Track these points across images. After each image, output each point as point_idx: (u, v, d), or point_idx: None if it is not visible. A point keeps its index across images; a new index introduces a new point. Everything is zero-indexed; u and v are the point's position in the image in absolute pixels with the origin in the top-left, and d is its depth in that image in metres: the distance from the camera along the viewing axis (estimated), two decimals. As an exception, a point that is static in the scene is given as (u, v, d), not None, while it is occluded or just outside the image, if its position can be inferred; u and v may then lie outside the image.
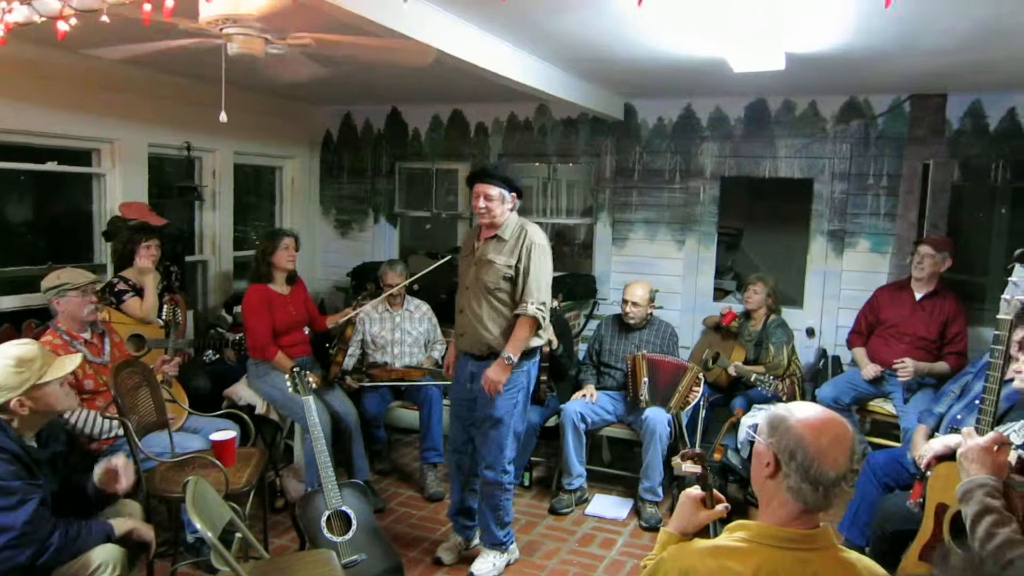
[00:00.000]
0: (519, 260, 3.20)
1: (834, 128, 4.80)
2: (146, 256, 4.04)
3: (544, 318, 3.23)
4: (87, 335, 3.34)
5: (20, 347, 2.40)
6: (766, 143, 4.98)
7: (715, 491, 1.82)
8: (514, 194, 3.27)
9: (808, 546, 1.55)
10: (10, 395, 2.29)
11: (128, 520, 2.52)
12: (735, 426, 4.16)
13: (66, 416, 2.71)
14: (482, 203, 3.20)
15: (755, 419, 4.09)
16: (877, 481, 3.31)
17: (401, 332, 4.61)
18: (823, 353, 4.86)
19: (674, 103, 5.20)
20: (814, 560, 1.54)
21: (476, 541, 3.59)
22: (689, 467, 1.84)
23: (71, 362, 2.48)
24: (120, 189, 4.60)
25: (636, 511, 4.11)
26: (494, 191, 3.19)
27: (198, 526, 2.16)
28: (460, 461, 3.49)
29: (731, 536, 1.60)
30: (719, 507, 1.81)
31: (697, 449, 1.91)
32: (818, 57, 3.62)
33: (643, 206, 5.35)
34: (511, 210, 3.28)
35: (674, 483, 4.15)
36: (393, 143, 6.12)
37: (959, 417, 3.10)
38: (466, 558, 3.54)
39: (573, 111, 5.40)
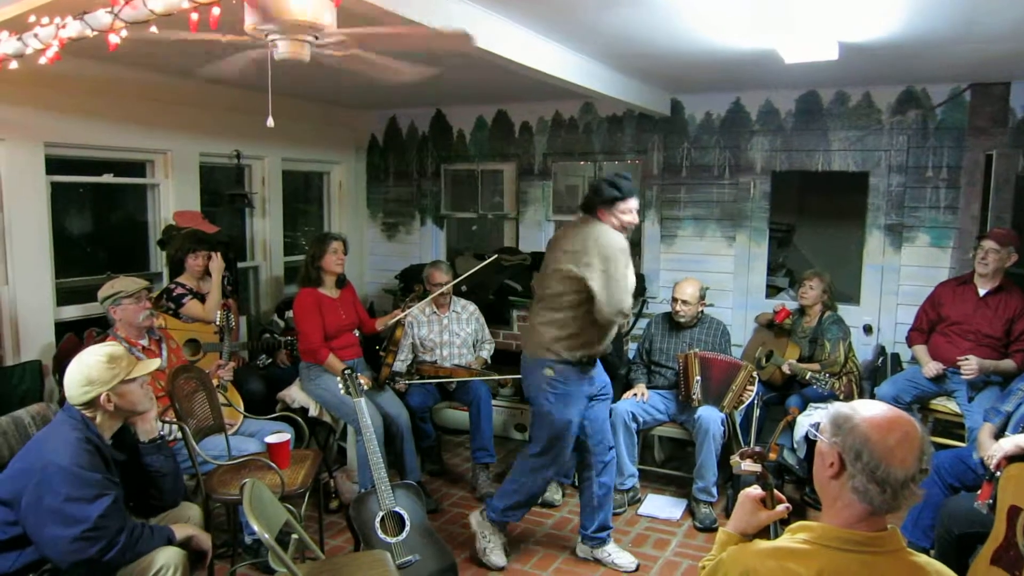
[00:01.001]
0: None
1: (890, 119, 4.67)
2: (193, 265, 4.17)
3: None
4: (145, 342, 3.44)
5: (109, 346, 2.53)
6: (819, 136, 4.87)
7: (775, 491, 1.78)
8: None
9: (874, 549, 1.51)
10: (101, 389, 2.39)
11: (188, 527, 2.59)
12: (791, 425, 4.09)
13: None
14: (637, 217, 3.30)
15: (811, 418, 4.01)
16: (941, 482, 3.22)
17: (449, 334, 4.64)
18: (882, 350, 4.73)
19: (722, 97, 5.13)
20: (880, 564, 1.50)
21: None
22: (748, 466, 1.82)
23: (153, 363, 2.59)
24: (173, 198, 4.74)
25: (690, 511, 4.07)
26: (634, 203, 3.28)
27: (255, 528, 2.21)
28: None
29: (793, 537, 1.57)
30: (779, 507, 1.77)
31: (756, 448, 1.87)
32: (872, 46, 3.53)
33: (692, 203, 5.29)
34: None
35: (728, 483, 4.10)
36: (438, 145, 6.17)
37: (1029, 416, 2.99)
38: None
39: (619, 108, 5.37)
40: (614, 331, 3.34)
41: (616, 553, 3.54)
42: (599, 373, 3.46)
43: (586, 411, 3.40)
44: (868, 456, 1.49)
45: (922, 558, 1.54)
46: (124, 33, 2.23)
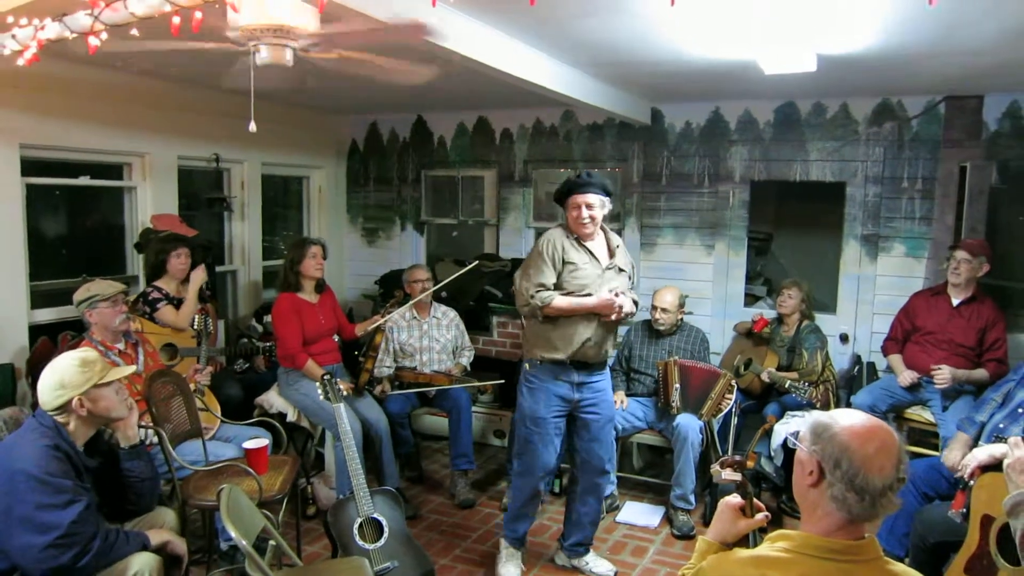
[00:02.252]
0: (630, 266, 3.43)
1: (867, 130, 4.73)
2: (176, 265, 4.10)
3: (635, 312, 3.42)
4: (121, 346, 3.39)
5: (83, 351, 2.51)
6: (796, 146, 4.93)
7: (755, 499, 1.79)
8: (608, 198, 3.30)
9: (853, 558, 1.52)
10: (73, 393, 2.36)
11: (163, 532, 2.56)
12: (768, 433, 4.13)
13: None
14: (585, 213, 3.22)
15: (788, 426, 4.05)
16: (916, 490, 3.25)
17: (429, 339, 4.63)
18: (858, 359, 4.78)
19: (702, 106, 5.16)
20: (859, 572, 1.51)
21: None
22: (728, 474, 1.82)
23: (127, 369, 2.57)
24: (151, 201, 4.67)
25: (668, 519, 4.08)
26: (594, 199, 3.23)
27: (232, 534, 2.19)
28: (549, 481, 3.58)
29: (773, 546, 1.58)
30: (759, 516, 1.78)
31: (737, 456, 1.88)
32: (850, 58, 3.58)
33: (671, 211, 5.32)
34: (605, 215, 3.34)
35: (706, 490, 4.11)
36: (419, 151, 6.16)
37: (1002, 426, 3.04)
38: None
39: (599, 116, 5.40)
40: (579, 337, 3.22)
41: (594, 561, 3.54)
42: (594, 387, 3.37)
43: (579, 427, 3.39)
44: (847, 465, 1.51)
45: (899, 567, 1.55)
46: (104, 36, 2.20)
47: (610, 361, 3.81)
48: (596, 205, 3.23)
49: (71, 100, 4.13)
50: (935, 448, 3.91)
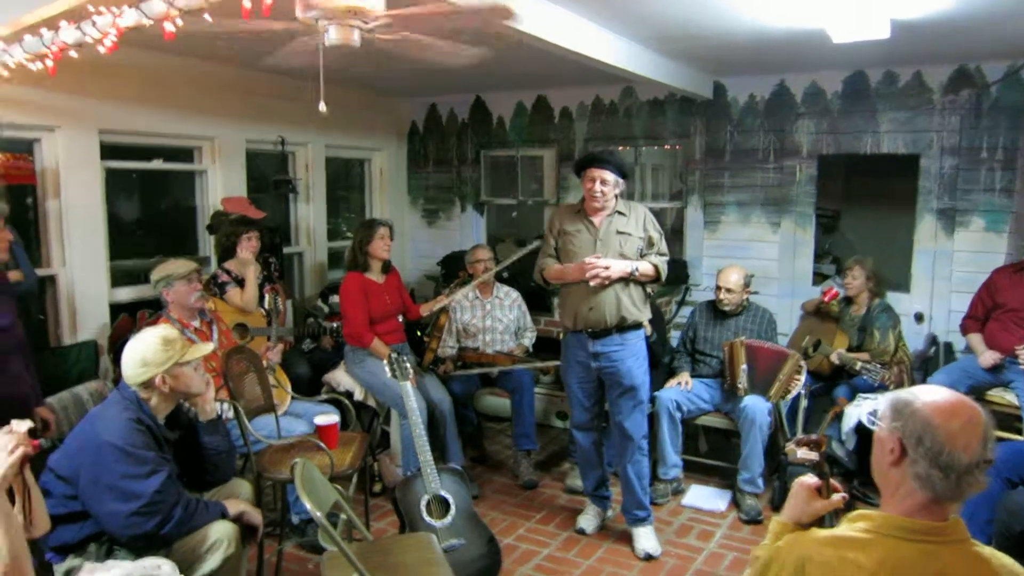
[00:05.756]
0: (645, 230, 3.46)
1: (942, 99, 4.53)
2: (247, 247, 4.19)
3: (663, 273, 3.46)
4: (196, 323, 3.50)
5: (164, 328, 2.58)
6: (867, 118, 4.75)
7: (832, 480, 1.75)
8: (623, 179, 3.42)
9: (937, 539, 1.47)
10: (156, 371, 2.45)
11: (239, 502, 2.64)
12: (839, 416, 4.02)
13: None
14: (598, 187, 3.37)
15: (860, 409, 3.93)
16: (999, 476, 3.12)
17: (492, 320, 4.65)
18: (934, 339, 4.61)
19: (766, 79, 5.03)
20: (944, 554, 1.46)
21: (610, 511, 3.81)
22: (804, 454, 1.78)
23: (206, 347, 2.64)
24: (221, 184, 4.81)
25: (735, 503, 4.02)
26: (609, 176, 3.36)
27: (307, 506, 2.24)
28: (594, 439, 3.67)
29: (852, 526, 1.54)
30: (835, 497, 1.74)
31: (813, 435, 1.84)
32: (926, 23, 3.42)
33: (735, 188, 5.21)
34: (618, 195, 3.45)
35: (775, 474, 4.04)
36: (478, 131, 6.17)
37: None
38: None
39: (660, 92, 5.30)
40: (574, 304, 3.40)
41: (643, 536, 3.56)
42: (611, 356, 3.43)
43: (607, 389, 3.55)
44: (931, 441, 1.46)
45: (987, 550, 1.50)
46: (179, 21, 2.26)
47: (674, 342, 3.77)
48: (609, 182, 3.35)
49: (145, 87, 4.27)
50: (1019, 432, 3.75)
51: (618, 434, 3.56)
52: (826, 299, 4.49)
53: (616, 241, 3.41)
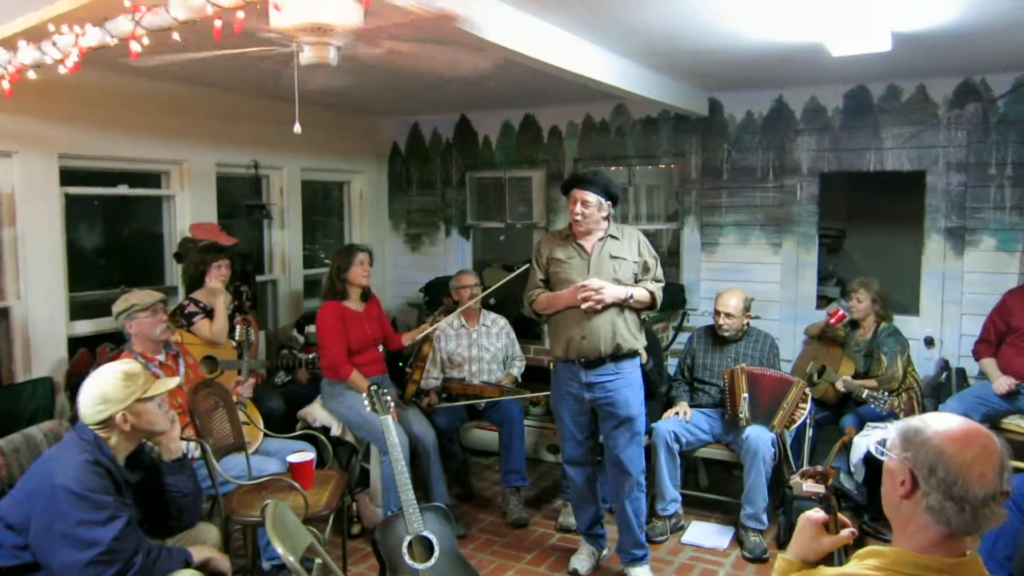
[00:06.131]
0: (640, 254, 3.47)
1: (947, 113, 4.58)
2: (216, 276, 4.15)
3: (659, 300, 3.46)
4: (161, 357, 3.46)
5: (125, 363, 2.54)
6: (870, 134, 4.80)
7: (840, 515, 1.72)
8: (610, 202, 3.43)
9: None
10: (116, 408, 2.40)
11: (206, 548, 2.59)
12: (847, 446, 4.00)
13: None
14: (579, 209, 3.39)
15: (869, 439, 3.92)
16: (1018, 508, 3.11)
17: (478, 348, 4.63)
18: (945, 365, 4.61)
19: (764, 95, 5.08)
20: (961, 592, 1.44)
21: (605, 551, 3.77)
22: (810, 486, 1.76)
23: (172, 381, 2.60)
24: (189, 210, 4.79)
25: (738, 540, 3.98)
26: (591, 198, 3.38)
27: (279, 550, 2.20)
28: (588, 475, 3.64)
29: (862, 563, 1.51)
30: (844, 532, 1.71)
31: (819, 467, 1.82)
32: (928, 34, 3.47)
33: (734, 208, 5.24)
34: (605, 217, 3.45)
35: (780, 509, 4.01)
36: (463, 152, 6.19)
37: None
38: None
39: (653, 109, 5.35)
40: (565, 333, 3.38)
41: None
42: (605, 386, 3.40)
43: (600, 420, 3.52)
44: (943, 471, 1.44)
45: (1006, 587, 1.48)
46: (146, 41, 2.25)
47: (671, 370, 3.75)
48: (592, 204, 3.36)
49: (108, 109, 4.26)
50: (1036, 461, 3.73)
51: (614, 469, 3.52)
52: (832, 322, 4.49)
53: (610, 266, 3.40)
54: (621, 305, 3.36)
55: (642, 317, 3.51)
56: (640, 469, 3.52)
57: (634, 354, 3.47)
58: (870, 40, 3.43)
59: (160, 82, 4.38)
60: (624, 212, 5.75)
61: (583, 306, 3.29)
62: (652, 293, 3.42)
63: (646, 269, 3.48)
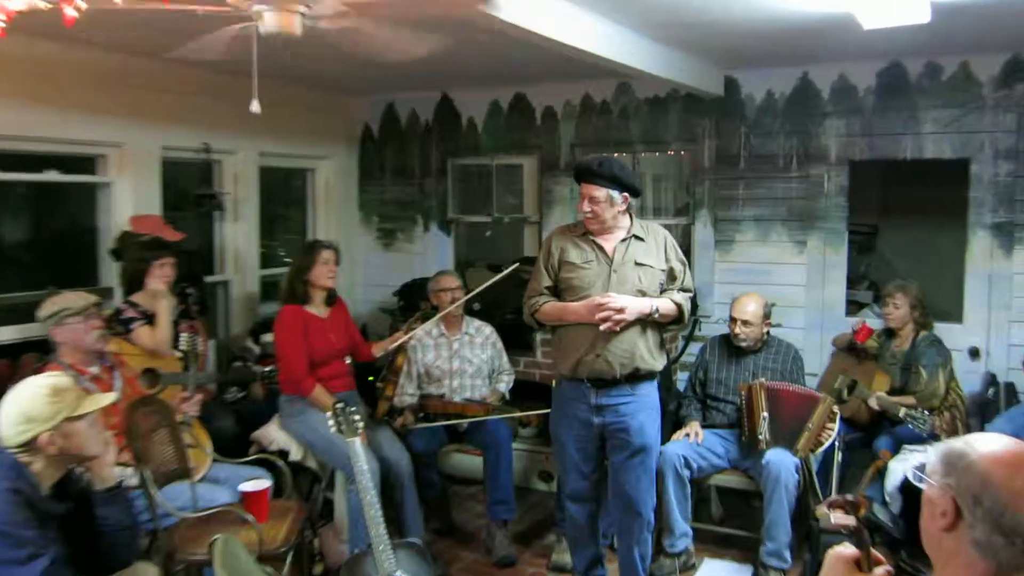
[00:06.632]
0: (667, 259, 3.44)
1: (994, 94, 4.63)
2: (159, 277, 4.14)
3: (686, 314, 3.44)
4: (95, 369, 3.44)
5: (53, 376, 2.52)
6: (906, 117, 4.84)
7: (873, 550, 1.72)
8: (624, 193, 3.34)
9: (1003, 620, 1.44)
10: (42, 428, 2.37)
11: (142, 591, 2.57)
12: (880, 473, 4.02)
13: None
14: (587, 206, 3.35)
15: (906, 463, 3.93)
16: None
17: (460, 360, 4.62)
18: (992, 379, 4.65)
19: (786, 72, 5.11)
20: (1011, 639, 1.44)
21: None
22: (840, 518, 1.75)
23: (107, 397, 2.58)
24: (129, 200, 4.75)
25: (757, 580, 3.99)
26: (598, 192, 3.31)
27: (228, 594, 2.18)
28: (591, 512, 3.59)
29: (898, 606, 1.51)
30: (878, 571, 1.71)
31: (849, 496, 1.82)
32: (971, 5, 3.50)
33: (752, 200, 5.26)
34: (624, 212, 3.39)
35: (805, 544, 4.02)
36: (444, 136, 6.20)
37: None
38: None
39: (661, 88, 5.37)
40: (574, 349, 3.34)
41: None
42: (618, 410, 3.38)
43: (609, 451, 3.47)
44: (990, 500, 1.44)
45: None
46: (83, 4, 2.23)
47: (681, 386, 3.76)
48: (601, 199, 3.31)
49: (36, 82, 4.21)
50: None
51: (622, 508, 3.49)
52: (859, 340, 4.51)
53: (634, 275, 3.35)
54: (644, 321, 3.31)
55: (665, 334, 3.49)
56: (652, 508, 3.51)
57: (652, 375, 3.45)
58: (906, 11, 3.45)
59: (96, 51, 4.34)
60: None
61: (601, 327, 3.21)
62: (679, 306, 3.38)
63: (672, 277, 3.44)
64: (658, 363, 3.44)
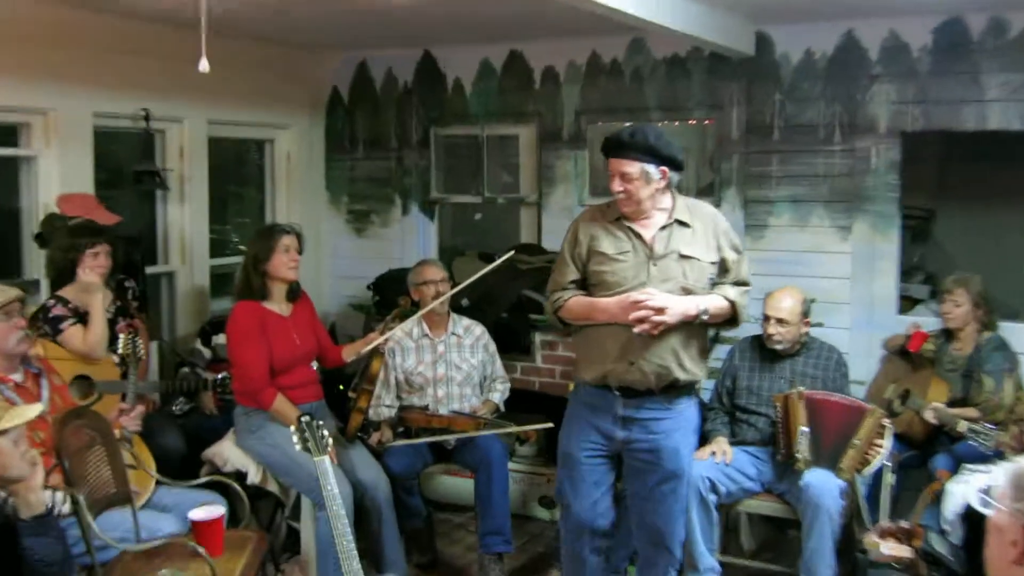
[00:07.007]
0: (719, 247, 3.38)
1: (1073, 54, 4.65)
2: (92, 267, 4.14)
3: (742, 313, 3.41)
4: (18, 377, 3.43)
5: None
6: (967, 82, 4.85)
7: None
8: (663, 167, 3.29)
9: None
10: None
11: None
12: (938, 497, 4.04)
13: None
14: (618, 186, 3.29)
15: (968, 485, 3.96)
16: None
17: (447, 366, 4.64)
18: (1067, 388, 4.68)
19: (828, 28, 5.11)
20: None
21: None
22: (892, 549, 1.78)
23: (33, 409, 2.58)
24: (57, 177, 4.76)
25: (794, 622, 4.02)
26: (632, 168, 3.25)
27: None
28: (602, 549, 3.58)
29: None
30: (937, 609, 1.74)
31: (904, 524, 1.84)
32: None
33: (788, 178, 5.28)
34: (664, 190, 3.34)
35: (850, 579, 4.05)
36: (426, 101, 6.21)
37: None
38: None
39: (681, 46, 5.37)
40: (601, 352, 3.33)
41: None
42: (648, 426, 3.37)
43: (629, 474, 3.47)
44: (1068, 529, 1.47)
45: None
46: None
47: (705, 396, 3.78)
48: (634, 175, 3.26)
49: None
50: None
51: (646, 540, 3.50)
52: (912, 348, 4.53)
53: (678, 269, 3.31)
54: (687, 324, 3.26)
55: (713, 336, 3.46)
56: (681, 542, 3.52)
57: (692, 389, 3.44)
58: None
59: (16, 1, 4.33)
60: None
61: (636, 329, 3.15)
62: (734, 304, 3.34)
63: (724, 269, 3.40)
64: (700, 374, 3.43)
